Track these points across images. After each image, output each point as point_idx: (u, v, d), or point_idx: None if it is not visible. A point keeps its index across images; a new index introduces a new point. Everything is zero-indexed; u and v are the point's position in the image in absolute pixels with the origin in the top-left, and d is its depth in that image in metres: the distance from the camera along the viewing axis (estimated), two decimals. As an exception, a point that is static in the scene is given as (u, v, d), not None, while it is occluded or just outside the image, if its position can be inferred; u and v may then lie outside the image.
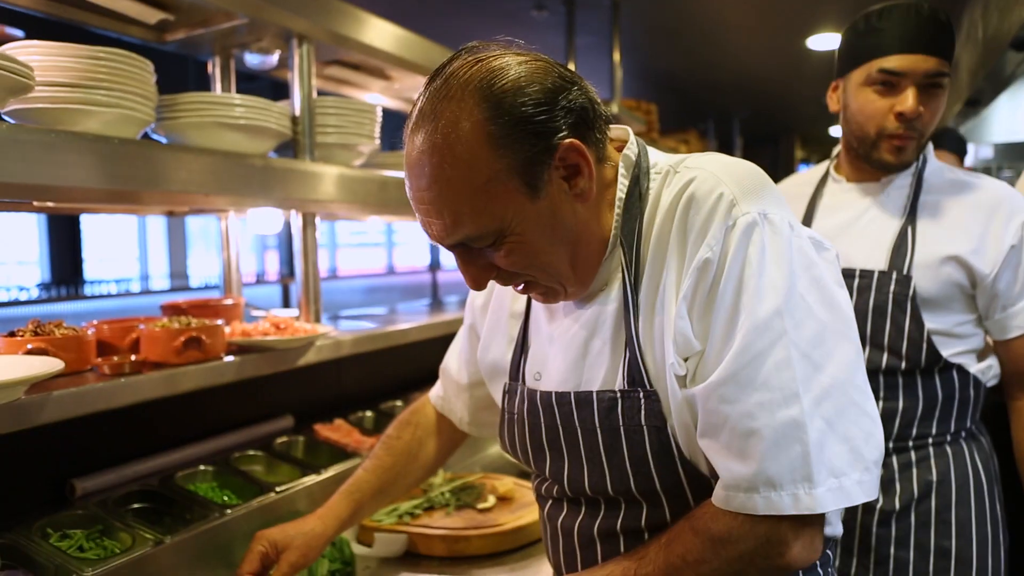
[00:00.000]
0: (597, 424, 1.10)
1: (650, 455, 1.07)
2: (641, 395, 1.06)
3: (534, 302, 1.25)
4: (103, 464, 1.73)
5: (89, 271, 8.28)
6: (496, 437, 1.35)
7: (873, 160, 1.72)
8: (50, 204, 1.67)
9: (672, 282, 1.04)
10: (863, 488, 0.99)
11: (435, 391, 1.56)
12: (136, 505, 1.70)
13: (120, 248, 8.27)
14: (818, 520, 1.01)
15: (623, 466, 1.09)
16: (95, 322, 1.74)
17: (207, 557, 1.61)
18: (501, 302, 1.33)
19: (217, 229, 2.32)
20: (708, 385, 1.00)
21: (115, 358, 1.59)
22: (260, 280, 9.84)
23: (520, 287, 1.13)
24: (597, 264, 1.11)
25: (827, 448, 0.97)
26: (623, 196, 1.11)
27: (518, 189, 1.01)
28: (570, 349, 1.14)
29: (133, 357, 1.61)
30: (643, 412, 1.06)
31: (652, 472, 1.08)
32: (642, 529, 1.12)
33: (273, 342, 1.82)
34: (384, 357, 2.51)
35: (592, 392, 1.10)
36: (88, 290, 9.54)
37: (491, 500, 1.94)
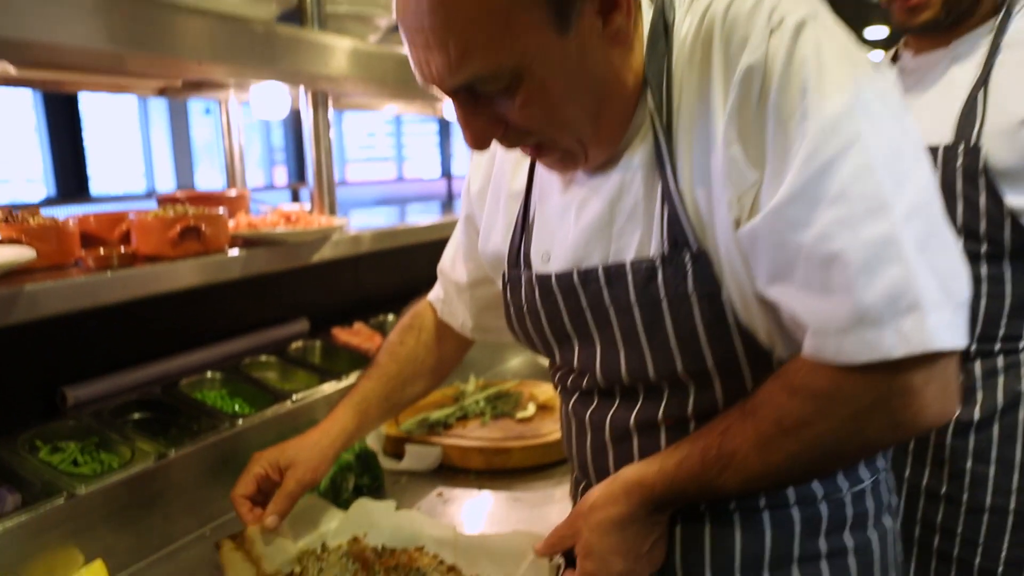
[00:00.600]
0: (634, 300, 0.94)
1: (700, 328, 0.91)
2: (687, 258, 0.89)
3: (537, 175, 1.09)
4: (97, 371, 1.54)
5: (95, 187, 8.07)
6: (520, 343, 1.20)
7: (896, 26, 1.54)
8: (12, 73, 1.43)
9: (717, 108, 0.86)
10: (952, 332, 0.78)
11: (435, 293, 1.39)
12: (136, 416, 1.52)
13: (126, 162, 8.06)
14: (949, 361, 0.80)
15: (667, 345, 0.93)
16: (78, 215, 1.53)
17: (217, 472, 1.43)
18: (500, 183, 1.15)
19: (219, 121, 2.08)
20: (772, 211, 0.81)
21: (101, 250, 1.37)
22: (269, 187, 9.60)
23: (531, 149, 0.95)
24: (625, 122, 0.95)
25: (921, 275, 0.77)
26: (647, 32, 0.92)
27: (544, 20, 0.83)
28: (592, 219, 0.98)
29: (123, 250, 1.40)
30: (690, 279, 0.90)
31: (703, 349, 0.92)
32: (688, 418, 0.97)
33: (284, 235, 1.61)
34: (405, 256, 2.29)
35: (625, 264, 0.94)
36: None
37: (531, 409, 1.76)
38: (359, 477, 1.49)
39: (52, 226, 1.34)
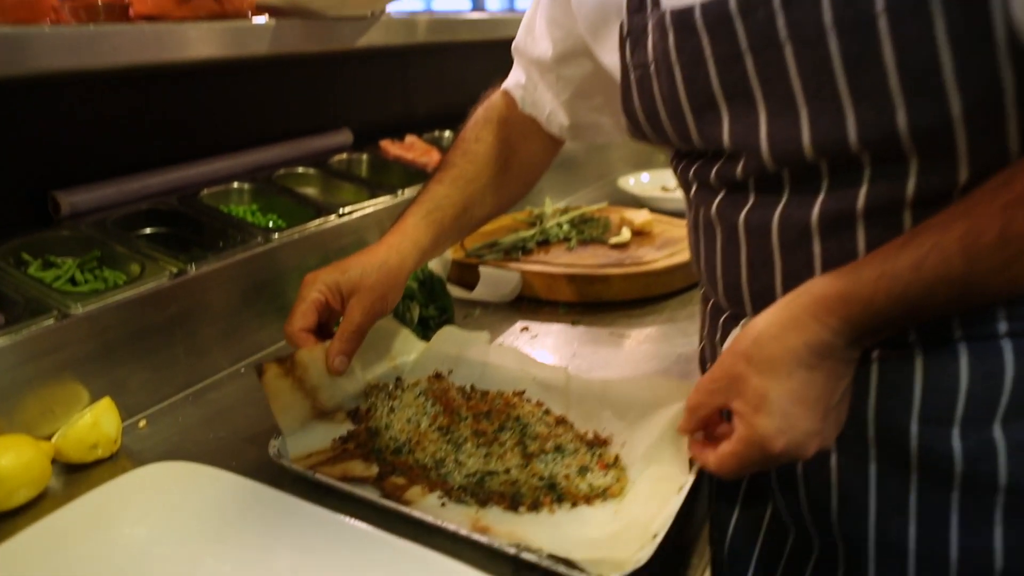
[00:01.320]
0: (829, 23, 0.64)
1: (944, 53, 0.60)
2: None
3: None
4: (97, 175, 1.24)
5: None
6: (610, 144, 0.90)
7: None
8: None
9: None
10: None
11: (512, 79, 1.08)
12: (147, 231, 1.22)
13: None
14: None
15: (882, 89, 0.63)
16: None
17: (250, 299, 1.15)
18: None
19: None
20: None
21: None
22: None
23: None
24: None
25: None
26: None
27: None
28: None
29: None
30: None
31: (945, 87, 0.61)
32: (903, 204, 0.67)
33: (321, 2, 1.25)
34: (466, 62, 1.92)
35: None
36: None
37: (625, 234, 1.44)
38: (424, 307, 1.20)
39: (15, -33, 1.00)
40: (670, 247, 1.40)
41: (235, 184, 1.36)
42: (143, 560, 0.73)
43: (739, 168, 0.76)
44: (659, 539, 0.71)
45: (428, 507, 0.77)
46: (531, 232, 1.43)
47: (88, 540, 0.73)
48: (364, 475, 0.81)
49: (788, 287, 0.76)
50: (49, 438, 0.90)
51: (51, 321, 0.92)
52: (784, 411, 0.66)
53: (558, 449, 0.83)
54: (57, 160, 1.20)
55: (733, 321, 0.87)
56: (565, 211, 1.58)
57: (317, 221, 1.25)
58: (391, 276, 0.95)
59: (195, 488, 0.79)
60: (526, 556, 0.69)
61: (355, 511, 0.75)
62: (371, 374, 0.96)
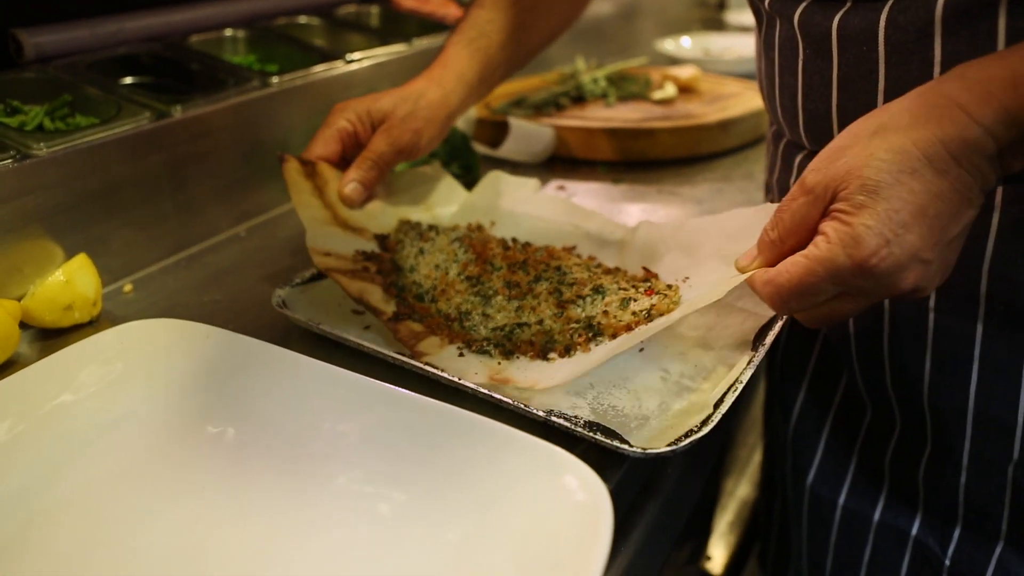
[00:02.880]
0: None
1: None
2: None
3: None
4: (67, 15, 1.08)
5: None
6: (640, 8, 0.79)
7: None
8: None
9: None
10: None
11: None
12: (128, 80, 1.07)
13: None
14: None
15: None
16: None
17: (248, 153, 1.00)
18: None
19: None
20: None
21: None
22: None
23: None
24: None
25: None
26: None
27: None
28: None
29: None
30: None
31: None
32: None
33: None
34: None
35: None
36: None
37: (670, 89, 1.28)
38: (446, 165, 1.06)
39: None
40: (721, 102, 1.23)
41: (228, 32, 1.19)
42: (125, 428, 0.61)
43: None
44: (724, 409, 0.58)
45: (444, 359, 0.64)
46: (564, 87, 1.26)
47: (58, 403, 0.62)
48: (381, 308, 0.68)
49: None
50: (19, 301, 0.78)
51: (9, 162, 0.78)
52: (895, 217, 0.49)
53: (597, 291, 0.68)
54: (18, -5, 1.04)
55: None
56: (601, 66, 1.40)
57: (322, 67, 1.09)
58: (430, 110, 0.82)
59: (185, 346, 0.67)
60: (556, 421, 0.57)
61: (366, 371, 0.63)
62: (404, 212, 0.85)
